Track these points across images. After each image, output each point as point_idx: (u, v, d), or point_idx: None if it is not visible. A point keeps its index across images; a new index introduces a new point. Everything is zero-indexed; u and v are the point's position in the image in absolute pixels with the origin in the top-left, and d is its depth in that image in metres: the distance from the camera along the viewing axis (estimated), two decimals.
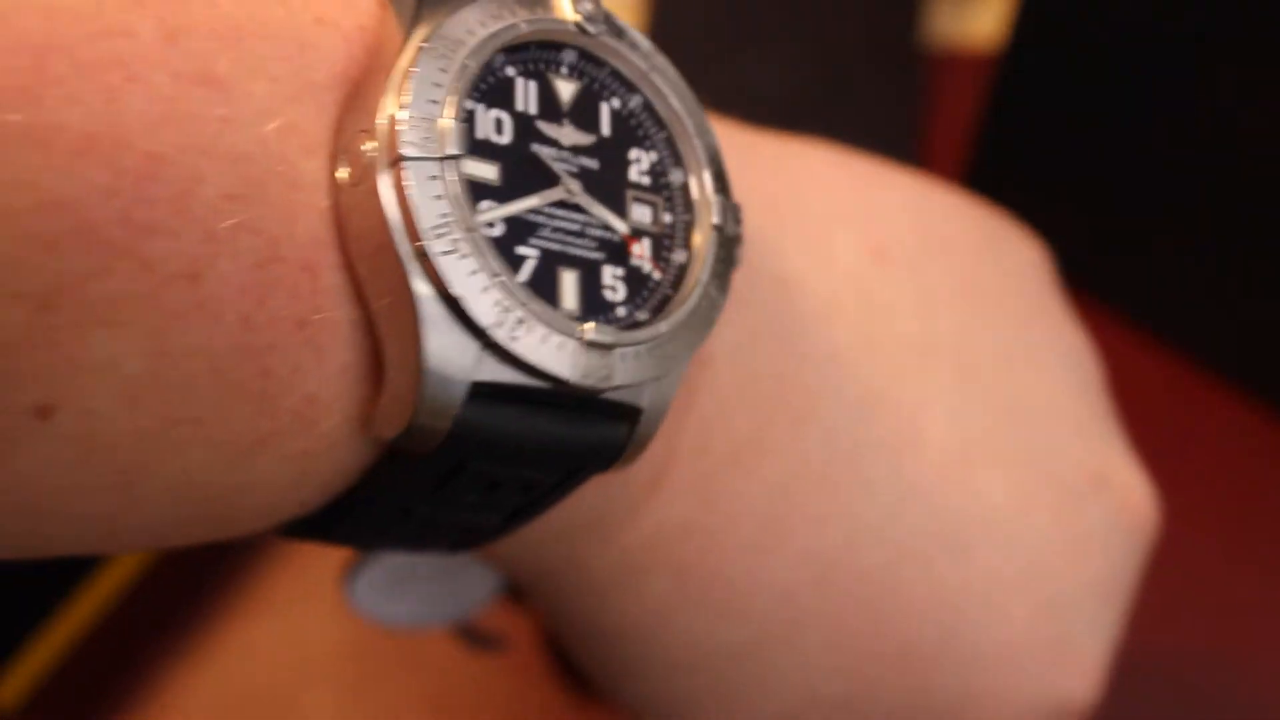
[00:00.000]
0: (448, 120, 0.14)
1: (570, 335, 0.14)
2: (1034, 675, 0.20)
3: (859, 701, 0.20)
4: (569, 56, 0.16)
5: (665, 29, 0.44)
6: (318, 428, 0.14)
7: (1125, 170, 0.35)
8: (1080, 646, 0.21)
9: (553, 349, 0.14)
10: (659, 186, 0.16)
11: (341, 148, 0.13)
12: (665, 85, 0.16)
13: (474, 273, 0.14)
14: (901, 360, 0.20)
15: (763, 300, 0.19)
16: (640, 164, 0.16)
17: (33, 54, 0.11)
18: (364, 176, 0.13)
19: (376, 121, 0.13)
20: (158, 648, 0.33)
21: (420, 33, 0.14)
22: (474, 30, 0.14)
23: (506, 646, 0.28)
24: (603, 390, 0.15)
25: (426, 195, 0.13)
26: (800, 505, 0.19)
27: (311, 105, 0.13)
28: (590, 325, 0.15)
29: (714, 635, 0.19)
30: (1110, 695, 0.32)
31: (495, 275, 0.14)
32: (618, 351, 0.15)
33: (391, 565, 0.23)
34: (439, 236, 0.13)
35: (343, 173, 0.13)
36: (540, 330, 0.14)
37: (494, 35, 0.15)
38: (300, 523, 0.16)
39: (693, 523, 0.18)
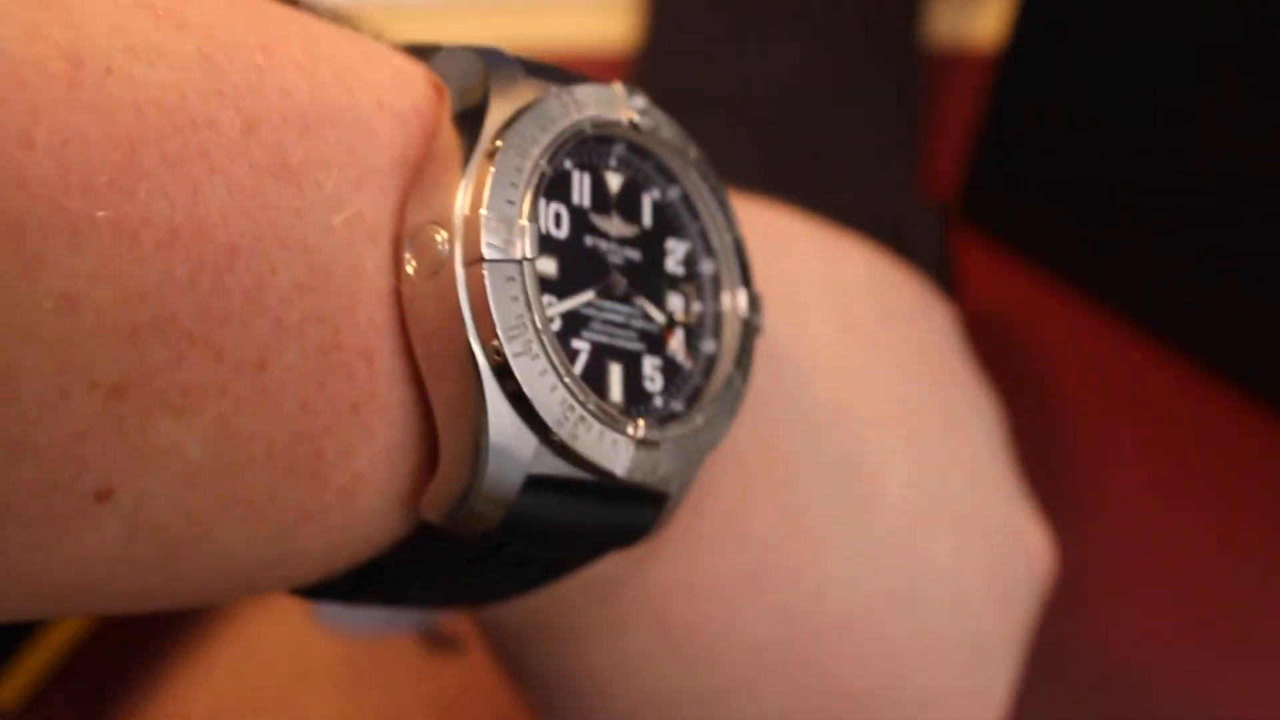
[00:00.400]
0: (525, 222, 0.14)
1: (623, 433, 0.15)
2: (964, 717, 0.22)
3: None
4: (619, 149, 0.16)
5: (665, 26, 0.44)
6: (359, 504, 0.14)
7: (1125, 170, 0.35)
8: (997, 689, 0.22)
9: (608, 446, 0.15)
10: (691, 276, 0.17)
11: (408, 236, 0.14)
12: (699, 178, 0.17)
13: (544, 372, 0.14)
14: (864, 425, 0.21)
15: (754, 370, 0.19)
16: (675, 254, 0.17)
17: (126, 148, 0.11)
18: (436, 270, 0.13)
19: (453, 217, 0.14)
20: (158, 648, 0.33)
21: (491, 121, 0.14)
22: (545, 128, 0.15)
23: (468, 649, 0.28)
24: (650, 484, 0.15)
25: (504, 296, 0.14)
26: (779, 562, 0.19)
27: (374, 191, 0.14)
28: (641, 423, 0.15)
29: (687, 682, 0.20)
30: (1111, 696, 0.32)
31: (560, 375, 0.14)
32: (662, 446, 0.15)
33: None
34: (513, 338, 0.14)
35: (411, 264, 0.14)
36: (597, 428, 0.15)
37: (563, 136, 0.15)
38: (319, 588, 0.16)
39: (680, 580, 0.19)
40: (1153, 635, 0.33)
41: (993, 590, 0.22)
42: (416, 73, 0.15)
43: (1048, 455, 0.36)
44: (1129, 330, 0.38)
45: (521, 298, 0.14)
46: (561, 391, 0.14)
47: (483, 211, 0.14)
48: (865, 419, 0.21)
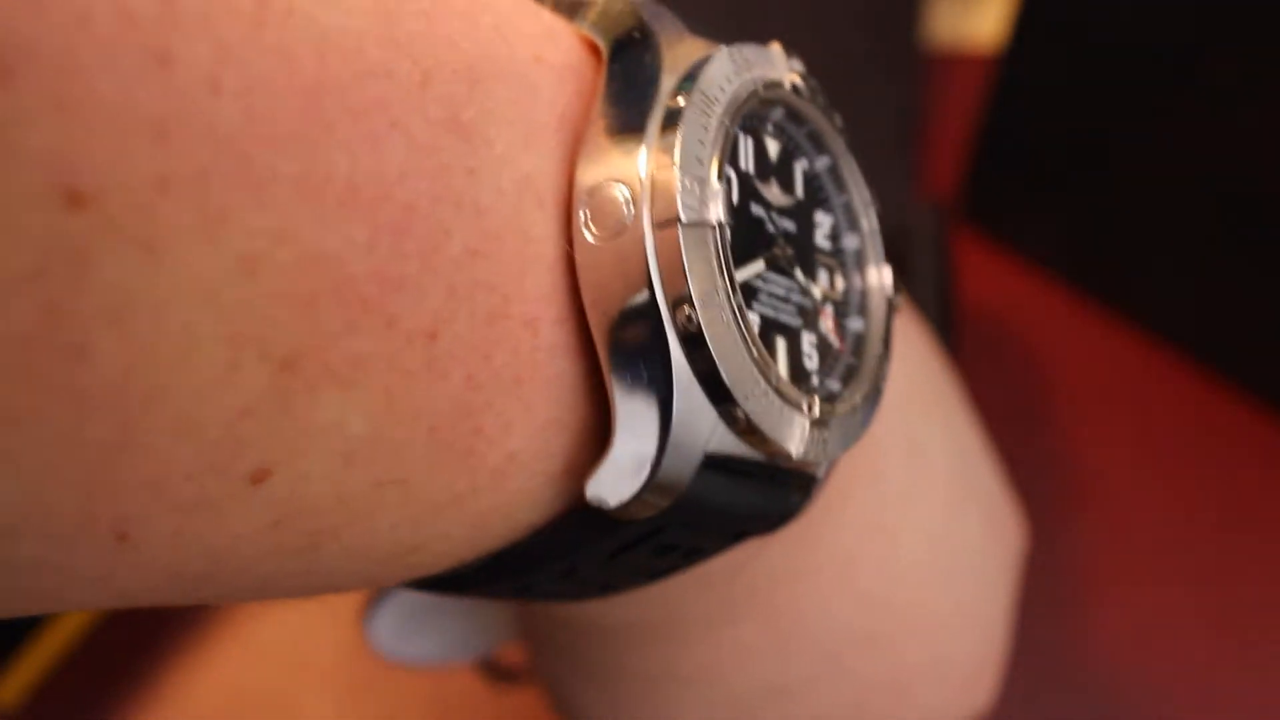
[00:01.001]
0: (717, 185, 0.13)
1: (800, 410, 0.14)
2: (988, 683, 0.22)
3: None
4: (777, 114, 0.15)
5: None
6: (510, 485, 0.13)
7: (1125, 170, 0.35)
8: (1002, 656, 0.23)
9: (785, 424, 0.14)
10: (836, 251, 0.16)
11: (583, 198, 0.13)
12: (847, 148, 0.16)
13: (735, 343, 0.13)
14: (912, 404, 0.21)
15: None
16: (823, 227, 0.16)
17: (311, 97, 0.11)
18: (619, 231, 0.13)
19: (638, 176, 0.13)
20: (158, 648, 0.33)
21: (667, 82, 0.13)
22: (724, 87, 0.14)
23: (527, 680, 0.28)
24: (819, 465, 0.15)
25: (698, 260, 0.13)
26: (869, 548, 0.19)
27: (541, 150, 0.13)
28: (816, 400, 0.14)
29: (782, 674, 0.19)
30: (1111, 697, 0.32)
31: (749, 347, 0.13)
32: (830, 425, 0.15)
33: (411, 603, 0.23)
34: (707, 305, 0.13)
35: (588, 226, 0.13)
36: (778, 404, 0.14)
37: (741, 96, 0.14)
38: (444, 578, 0.15)
39: (790, 567, 0.18)
40: (1153, 633, 0.33)
41: (1003, 564, 0.22)
42: (565, 28, 0.14)
43: (1046, 454, 0.36)
44: (1128, 329, 0.38)
45: (715, 263, 0.13)
46: (749, 365, 0.13)
47: (676, 171, 0.13)
48: (911, 397, 0.20)
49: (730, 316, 0.13)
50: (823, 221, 0.16)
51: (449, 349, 0.12)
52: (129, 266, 0.10)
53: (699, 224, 0.13)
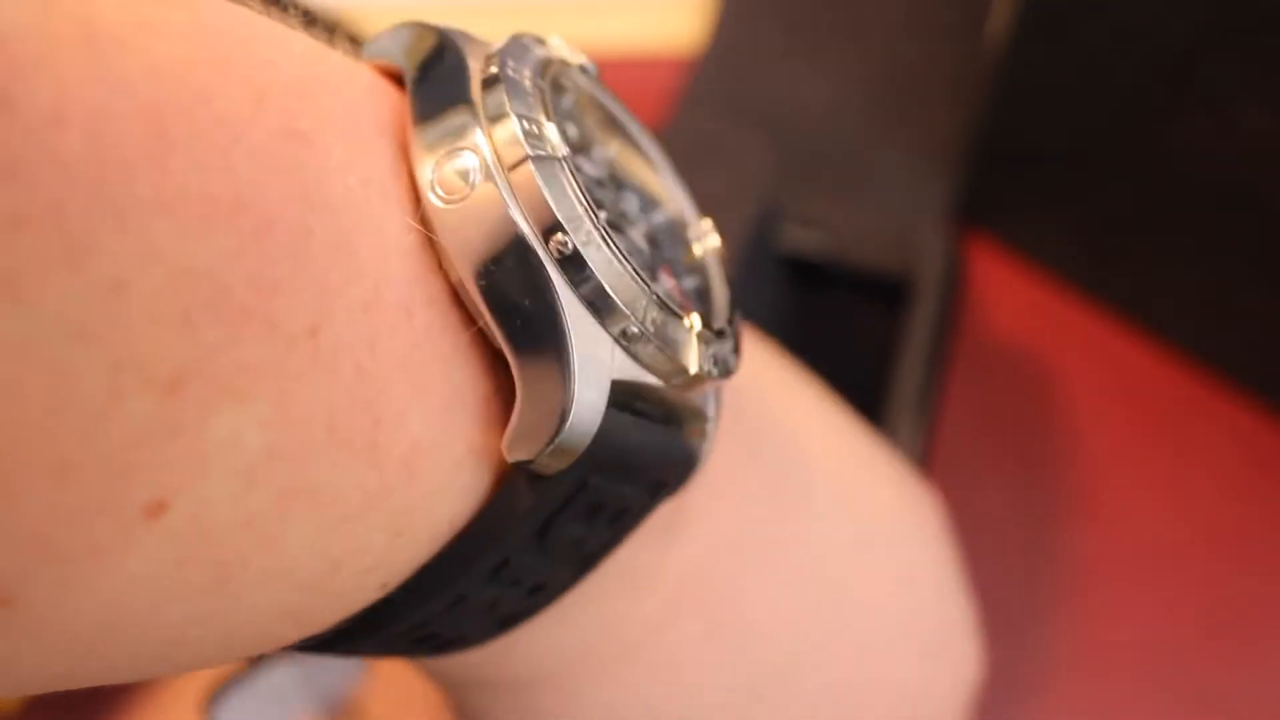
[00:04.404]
0: (551, 124, 0.14)
1: (683, 327, 0.14)
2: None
3: None
4: (568, 102, 0.16)
5: (726, 34, 0.44)
6: (421, 476, 0.13)
7: (1128, 172, 0.35)
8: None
9: (677, 337, 0.14)
10: (650, 223, 0.17)
11: (431, 175, 0.13)
12: (639, 130, 0.17)
13: (610, 261, 0.13)
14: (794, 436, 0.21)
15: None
16: (630, 203, 0.17)
17: (154, 121, 0.11)
18: (470, 191, 0.13)
19: (477, 136, 0.13)
20: None
21: (474, 66, 0.14)
22: (524, 59, 0.14)
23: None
24: (721, 378, 0.15)
25: (557, 189, 0.13)
26: (780, 526, 0.20)
27: (376, 154, 0.13)
28: (695, 314, 0.15)
29: (735, 672, 0.19)
30: (1111, 697, 0.32)
31: (625, 261, 0.14)
32: (713, 346, 0.15)
33: (258, 690, 0.22)
34: (577, 229, 0.13)
35: (439, 199, 0.13)
36: (664, 317, 0.14)
37: (541, 64, 0.15)
38: (366, 618, 0.15)
39: (710, 549, 0.18)
40: (1153, 633, 0.33)
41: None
42: (357, 59, 0.15)
43: (1054, 458, 0.36)
44: (1129, 330, 0.38)
45: (572, 192, 0.13)
46: (631, 280, 0.13)
47: (512, 117, 0.13)
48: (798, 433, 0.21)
49: (601, 238, 0.13)
50: (629, 199, 0.17)
51: (333, 343, 0.12)
52: None
53: (548, 158, 0.13)
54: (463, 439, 0.14)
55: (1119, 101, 0.34)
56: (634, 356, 0.14)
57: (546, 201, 0.13)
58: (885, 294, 0.34)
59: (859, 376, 0.33)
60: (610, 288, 0.13)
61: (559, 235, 0.13)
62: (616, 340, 0.14)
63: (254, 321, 0.11)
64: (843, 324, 0.35)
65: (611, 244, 0.13)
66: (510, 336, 0.13)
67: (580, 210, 0.13)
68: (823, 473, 0.21)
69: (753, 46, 0.43)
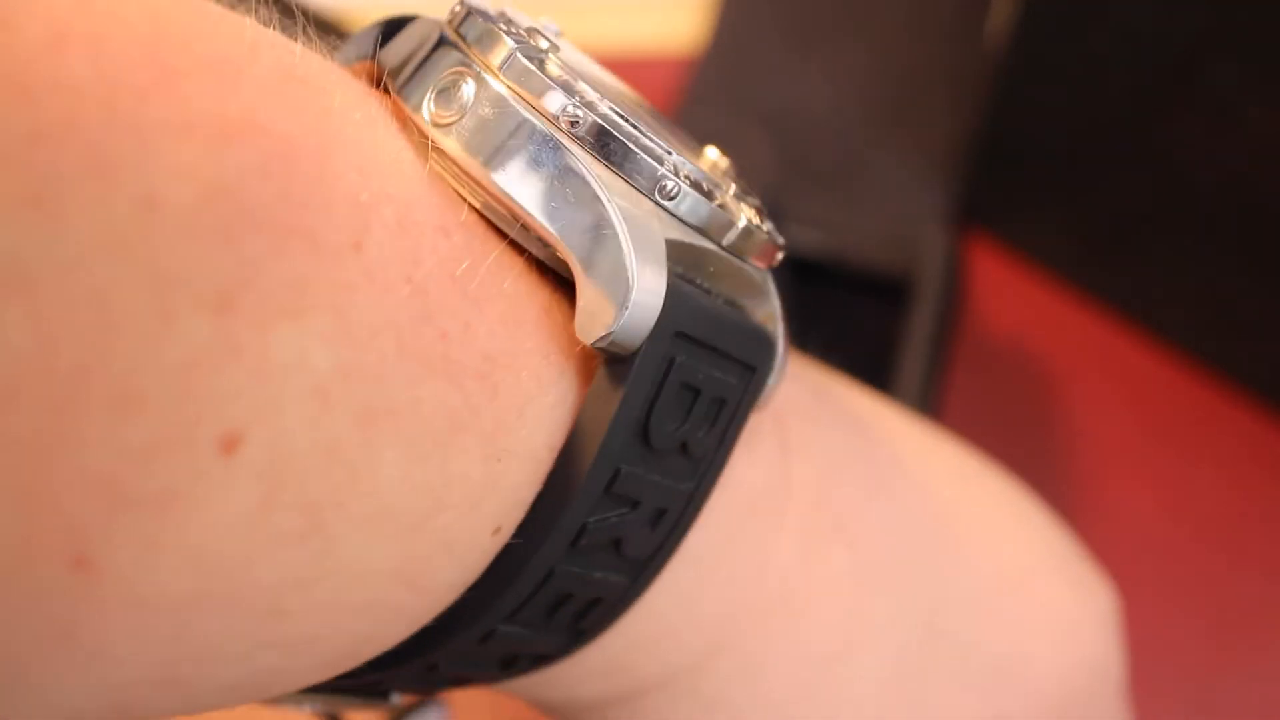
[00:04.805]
0: (527, 24, 0.14)
1: (718, 185, 0.15)
2: None
3: None
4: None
5: (726, 34, 0.43)
6: (501, 391, 0.13)
7: (1129, 172, 0.35)
8: None
9: (717, 194, 0.15)
10: None
11: (429, 99, 0.13)
12: None
13: (620, 123, 0.14)
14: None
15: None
16: None
17: (157, 50, 0.11)
18: (468, 103, 0.13)
19: (465, 54, 0.13)
20: None
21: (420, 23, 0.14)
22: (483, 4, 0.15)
23: None
24: (772, 243, 0.15)
25: (556, 70, 0.14)
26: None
27: (371, 102, 0.13)
28: (731, 182, 0.15)
29: (899, 604, 0.18)
30: None
31: (637, 125, 0.14)
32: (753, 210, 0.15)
33: None
34: (585, 100, 0.13)
35: (442, 118, 0.13)
36: (705, 180, 0.14)
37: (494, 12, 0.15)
38: (491, 578, 0.14)
39: (832, 484, 0.18)
40: (1153, 633, 0.33)
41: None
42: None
43: (1054, 457, 0.36)
44: (1129, 330, 0.38)
45: (562, 69, 0.14)
46: (643, 137, 0.14)
47: (498, 27, 0.14)
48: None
49: (609, 108, 0.14)
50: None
51: (378, 257, 0.12)
52: (19, 229, 0.09)
53: (537, 53, 0.14)
54: (535, 348, 0.13)
55: (1119, 101, 0.34)
56: (678, 218, 0.14)
57: (548, 82, 0.13)
58: (885, 294, 0.34)
59: (859, 376, 0.33)
60: (629, 141, 0.13)
61: (565, 107, 0.13)
62: (655, 200, 0.14)
63: (295, 236, 0.11)
64: (843, 324, 0.35)
65: (616, 110, 0.14)
66: (550, 216, 0.13)
67: (580, 87, 0.13)
68: (888, 421, 0.21)
69: (753, 46, 0.43)
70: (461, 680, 0.16)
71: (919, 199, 0.39)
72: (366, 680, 0.14)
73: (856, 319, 0.35)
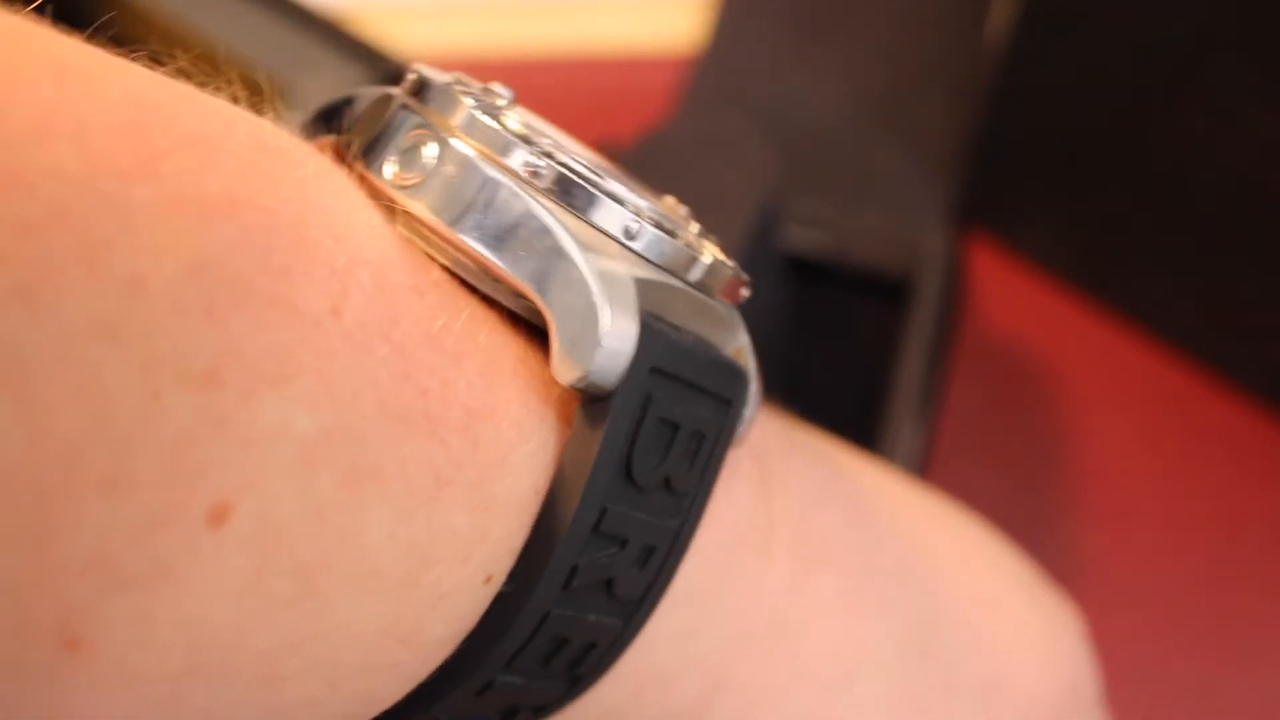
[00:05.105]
0: (481, 86, 0.15)
1: (680, 225, 0.15)
2: None
3: None
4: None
5: (726, 33, 0.43)
6: (483, 443, 0.13)
7: (1125, 171, 0.35)
8: None
9: (680, 232, 0.15)
10: None
11: (390, 157, 0.14)
12: None
13: (583, 171, 0.14)
14: None
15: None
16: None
17: (137, 133, 0.11)
18: (430, 164, 0.13)
19: (427, 115, 0.14)
20: None
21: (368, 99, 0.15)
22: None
23: None
24: (736, 278, 0.16)
25: (516, 125, 0.14)
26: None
27: (338, 174, 0.14)
28: (692, 223, 0.16)
29: (886, 629, 0.19)
30: (1111, 698, 0.32)
31: (598, 174, 0.14)
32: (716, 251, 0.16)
33: None
34: (538, 149, 0.14)
35: (403, 181, 0.14)
36: (666, 220, 0.15)
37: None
38: (483, 628, 0.14)
39: (813, 516, 0.18)
40: (1153, 634, 0.33)
41: None
42: None
43: (1054, 458, 0.36)
44: (1129, 330, 0.39)
45: (520, 122, 0.14)
46: (603, 182, 0.14)
47: (455, 89, 0.14)
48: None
49: (568, 157, 0.14)
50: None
51: (357, 321, 0.12)
52: (10, 319, 0.09)
53: (494, 110, 0.14)
54: (513, 397, 0.14)
55: (1119, 101, 0.34)
56: (644, 257, 0.14)
57: (508, 138, 0.14)
58: (885, 294, 0.34)
59: (859, 376, 0.33)
60: (591, 187, 0.14)
61: (526, 159, 0.14)
62: (621, 242, 0.14)
63: (276, 306, 0.11)
64: (843, 324, 0.35)
65: (575, 159, 0.14)
66: (517, 266, 0.13)
67: (541, 141, 0.14)
68: (854, 463, 0.21)
69: (753, 45, 0.43)
70: None
71: (919, 199, 0.39)
72: None
73: (856, 319, 0.35)
